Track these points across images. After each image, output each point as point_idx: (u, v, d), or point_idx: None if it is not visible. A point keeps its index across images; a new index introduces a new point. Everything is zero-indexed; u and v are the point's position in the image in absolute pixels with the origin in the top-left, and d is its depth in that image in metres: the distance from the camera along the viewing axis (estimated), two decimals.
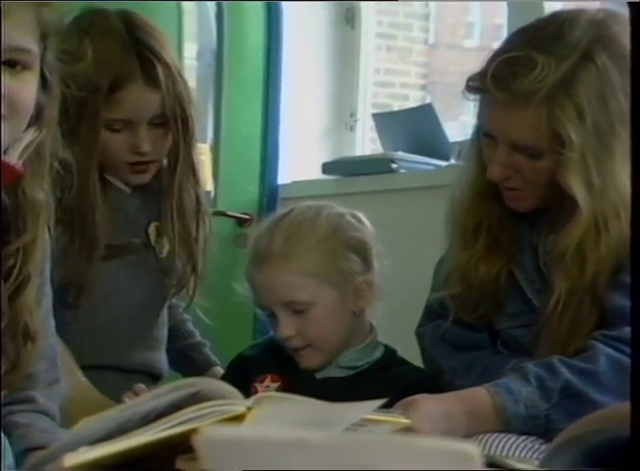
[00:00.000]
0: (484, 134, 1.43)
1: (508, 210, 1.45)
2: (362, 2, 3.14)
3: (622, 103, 1.33)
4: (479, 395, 1.29)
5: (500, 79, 1.34)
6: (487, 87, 1.36)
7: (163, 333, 1.76)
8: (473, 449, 0.59)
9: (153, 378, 1.75)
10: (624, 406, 0.85)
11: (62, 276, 1.57)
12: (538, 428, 1.29)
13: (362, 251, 1.47)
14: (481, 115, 1.41)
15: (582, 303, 1.34)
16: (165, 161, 1.72)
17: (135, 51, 1.62)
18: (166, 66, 1.64)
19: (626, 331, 1.28)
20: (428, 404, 1.26)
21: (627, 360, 1.26)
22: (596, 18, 1.37)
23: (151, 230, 1.72)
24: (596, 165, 1.32)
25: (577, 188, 1.32)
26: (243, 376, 1.48)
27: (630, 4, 1.34)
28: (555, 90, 1.32)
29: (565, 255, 1.34)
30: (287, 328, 1.45)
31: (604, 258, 1.33)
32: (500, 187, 1.43)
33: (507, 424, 1.28)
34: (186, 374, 1.83)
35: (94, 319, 1.66)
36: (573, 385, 1.28)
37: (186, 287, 1.74)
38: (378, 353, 1.50)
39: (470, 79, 1.39)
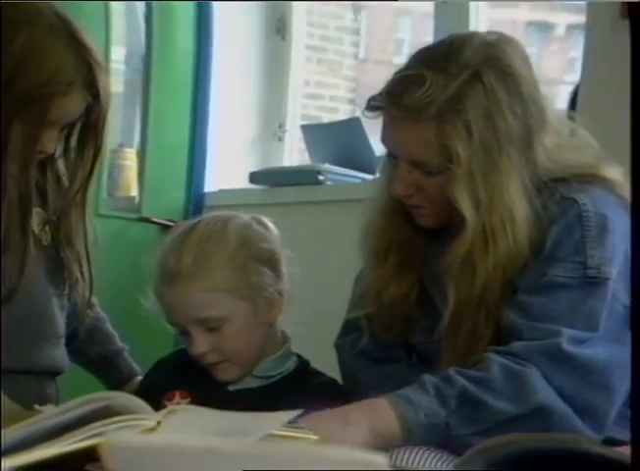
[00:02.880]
0: (387, 154, 1.46)
1: (419, 229, 1.47)
2: (294, 14, 3.15)
3: (510, 121, 1.36)
4: (381, 408, 1.29)
5: (392, 96, 1.38)
6: (382, 104, 1.40)
7: (62, 327, 1.67)
8: (380, 459, 0.59)
9: (55, 376, 1.67)
10: (536, 435, 0.90)
11: None
12: (439, 437, 1.29)
13: (272, 262, 1.46)
14: (382, 134, 1.44)
15: (477, 316, 1.37)
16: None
17: (80, 55, 1.53)
18: (105, 73, 1.57)
19: (515, 345, 1.32)
20: (328, 421, 1.26)
21: (518, 367, 1.30)
22: (487, 39, 1.41)
23: (33, 217, 1.61)
24: (483, 180, 1.35)
25: (464, 203, 1.35)
26: (151, 402, 1.38)
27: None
28: (444, 107, 1.35)
29: (453, 266, 1.37)
30: (201, 345, 1.43)
31: (492, 271, 1.36)
32: (406, 205, 1.45)
33: (409, 434, 1.28)
34: (109, 382, 1.78)
35: (4, 320, 1.56)
36: (469, 391, 1.30)
37: (77, 283, 1.64)
38: (292, 364, 1.50)
39: (371, 99, 1.42)
